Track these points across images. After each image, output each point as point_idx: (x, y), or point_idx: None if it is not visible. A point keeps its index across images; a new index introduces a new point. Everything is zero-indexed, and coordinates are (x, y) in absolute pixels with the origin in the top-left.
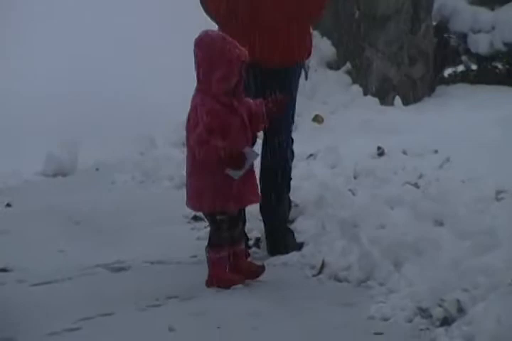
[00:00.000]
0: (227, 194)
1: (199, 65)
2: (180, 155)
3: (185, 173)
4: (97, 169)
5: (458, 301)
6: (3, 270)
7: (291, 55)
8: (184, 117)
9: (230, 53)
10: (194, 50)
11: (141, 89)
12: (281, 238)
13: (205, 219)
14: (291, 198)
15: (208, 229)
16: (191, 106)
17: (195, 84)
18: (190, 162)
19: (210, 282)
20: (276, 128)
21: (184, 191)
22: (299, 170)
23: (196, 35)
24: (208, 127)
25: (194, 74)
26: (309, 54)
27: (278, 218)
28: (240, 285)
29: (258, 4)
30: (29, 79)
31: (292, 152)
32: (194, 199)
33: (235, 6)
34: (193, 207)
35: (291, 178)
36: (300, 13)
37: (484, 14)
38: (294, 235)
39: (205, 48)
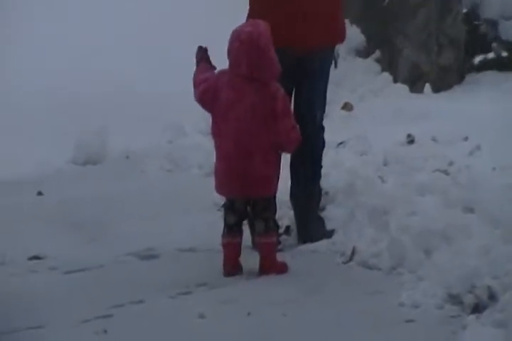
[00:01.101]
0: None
1: (247, 54)
2: (209, 143)
3: (228, 158)
4: (127, 157)
5: (489, 288)
6: (36, 257)
7: (330, 36)
8: None
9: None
10: (235, 42)
11: (168, 79)
12: (311, 226)
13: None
14: (322, 186)
15: None
16: (261, 96)
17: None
18: (264, 145)
19: (271, 268)
20: (308, 116)
21: (213, 179)
22: (328, 158)
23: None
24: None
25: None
26: (343, 38)
27: (308, 206)
28: None
29: None
30: (50, 72)
31: (323, 140)
32: (263, 184)
33: None
34: (261, 192)
35: (321, 166)
36: None
37: None
38: (324, 223)
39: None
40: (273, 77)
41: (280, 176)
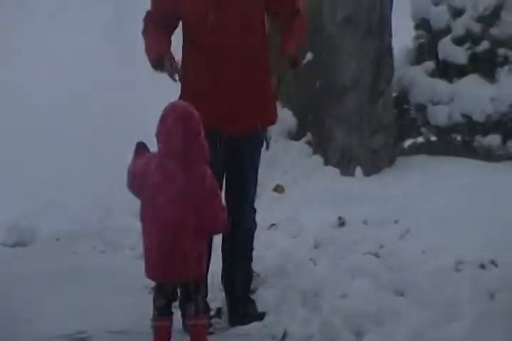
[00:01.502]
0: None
1: (181, 124)
2: (140, 224)
3: (157, 243)
4: (57, 239)
5: None
6: None
7: (256, 121)
8: None
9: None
10: (168, 114)
11: (98, 154)
12: (242, 308)
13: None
14: (253, 268)
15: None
16: (191, 177)
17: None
18: (192, 227)
19: None
20: (239, 198)
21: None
22: (260, 239)
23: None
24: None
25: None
26: (275, 121)
27: (239, 288)
28: None
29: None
30: None
31: (255, 222)
32: (192, 267)
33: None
34: (191, 275)
35: (253, 248)
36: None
37: (443, 86)
38: (255, 305)
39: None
40: (203, 158)
41: (211, 257)
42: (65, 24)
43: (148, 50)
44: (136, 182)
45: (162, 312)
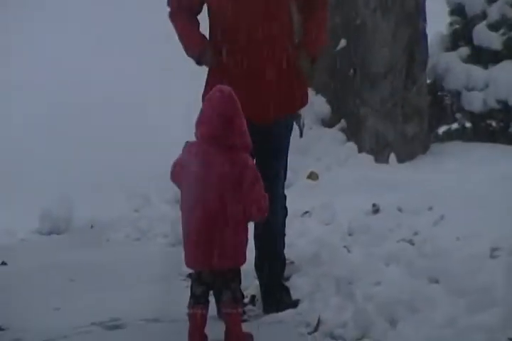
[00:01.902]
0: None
1: (221, 109)
2: (175, 212)
3: (198, 231)
4: (91, 226)
5: None
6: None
7: (283, 109)
8: None
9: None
10: (209, 100)
11: (137, 145)
12: (276, 295)
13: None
14: (287, 255)
15: None
16: (230, 163)
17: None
18: (234, 216)
19: (237, 339)
20: (269, 185)
21: (179, 249)
22: (294, 227)
23: None
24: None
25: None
26: (305, 103)
27: (273, 275)
28: None
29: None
30: (16, 137)
31: (285, 208)
32: (232, 256)
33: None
34: (231, 264)
35: (285, 235)
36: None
37: (478, 72)
38: (289, 292)
39: (225, 105)
40: (245, 146)
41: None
42: (67, 24)
43: (190, 48)
44: (177, 171)
45: (198, 300)
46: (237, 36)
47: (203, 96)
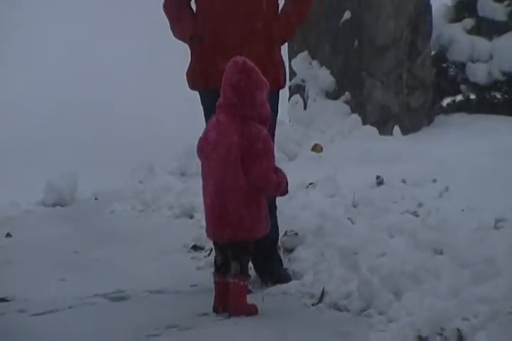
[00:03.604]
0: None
1: (239, 89)
2: (179, 184)
3: (211, 203)
4: (96, 198)
5: (458, 330)
6: (4, 300)
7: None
8: (183, 146)
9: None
10: (230, 75)
11: (140, 119)
12: (267, 265)
13: (217, 249)
14: (291, 227)
15: (208, 258)
16: (243, 133)
17: (194, 111)
18: (242, 187)
19: (238, 310)
20: None
21: (183, 220)
22: (298, 199)
23: None
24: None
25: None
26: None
27: (265, 246)
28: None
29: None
30: (27, 113)
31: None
32: (241, 226)
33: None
34: (241, 235)
35: (276, 207)
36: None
37: (482, 43)
38: (282, 263)
39: (241, 72)
40: (260, 116)
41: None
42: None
43: (181, 34)
44: (201, 146)
45: (219, 269)
46: (219, 17)
47: (186, 74)
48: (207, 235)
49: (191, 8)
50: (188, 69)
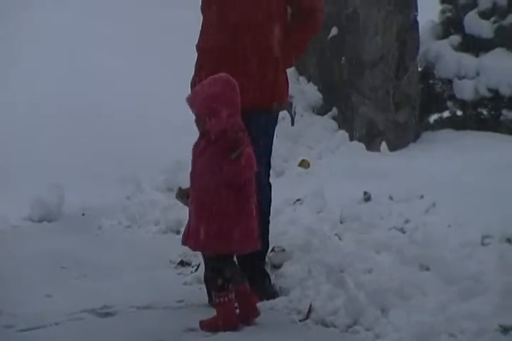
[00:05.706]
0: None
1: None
2: (166, 200)
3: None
4: (82, 214)
5: None
6: None
7: (265, 98)
8: (170, 161)
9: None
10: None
11: (128, 132)
12: (257, 282)
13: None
14: (278, 243)
15: (195, 274)
16: None
17: (181, 126)
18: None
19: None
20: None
21: (170, 236)
22: (285, 215)
23: None
24: None
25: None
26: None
27: (255, 262)
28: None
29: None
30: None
31: (269, 197)
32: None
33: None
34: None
35: (269, 222)
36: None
37: (469, 60)
38: (270, 279)
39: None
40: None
41: None
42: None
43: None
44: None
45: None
46: (226, 24)
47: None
48: None
49: None
50: (192, 79)
